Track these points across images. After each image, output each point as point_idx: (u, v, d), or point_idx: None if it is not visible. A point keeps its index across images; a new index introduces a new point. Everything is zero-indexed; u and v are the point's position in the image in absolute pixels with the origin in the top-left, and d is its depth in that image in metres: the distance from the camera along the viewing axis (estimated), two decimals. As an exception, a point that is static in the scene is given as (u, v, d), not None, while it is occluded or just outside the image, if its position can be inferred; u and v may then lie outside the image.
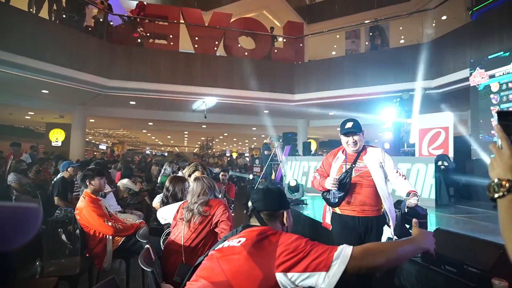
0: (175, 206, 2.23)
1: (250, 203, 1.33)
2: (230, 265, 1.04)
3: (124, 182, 4.74)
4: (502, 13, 6.53)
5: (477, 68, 6.22)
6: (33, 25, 7.01)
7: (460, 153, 6.46)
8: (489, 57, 6.02)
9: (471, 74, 6.39)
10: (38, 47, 7.01)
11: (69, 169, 4.37)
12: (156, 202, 2.48)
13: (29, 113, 11.66)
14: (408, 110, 7.80)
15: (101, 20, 9.09)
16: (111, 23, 10.06)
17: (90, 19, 9.31)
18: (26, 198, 4.84)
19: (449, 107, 8.43)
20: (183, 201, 2.22)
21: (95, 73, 8.29)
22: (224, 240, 1.18)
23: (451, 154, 6.21)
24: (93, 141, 25.43)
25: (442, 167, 5.73)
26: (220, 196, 2.35)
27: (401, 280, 2.32)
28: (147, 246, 1.56)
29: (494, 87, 5.85)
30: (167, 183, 2.67)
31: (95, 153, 21.69)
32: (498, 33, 6.51)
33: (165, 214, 2.27)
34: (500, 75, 5.73)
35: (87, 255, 2.44)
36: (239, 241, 1.10)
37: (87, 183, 2.62)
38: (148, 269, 1.30)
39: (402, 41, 12.60)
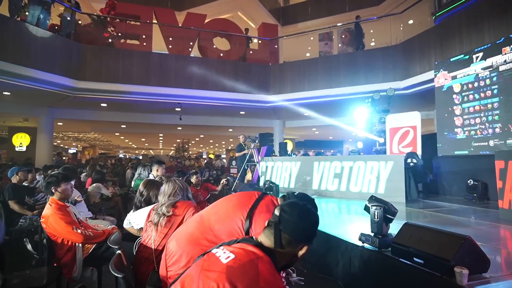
0: (146, 209, 2.18)
1: (277, 212, 1.13)
2: (206, 285, 0.97)
3: (94, 186, 4.57)
4: (461, 19, 6.97)
5: (441, 70, 6.58)
6: (-8, 23, 6.58)
7: (428, 150, 6.81)
8: (451, 59, 6.38)
9: (435, 75, 6.74)
10: (-1, 46, 6.60)
11: (19, 174, 4.15)
12: (126, 226, 2.36)
13: (-11, 116, 10.94)
14: (379, 110, 8.09)
15: (68, 18, 8.70)
16: (80, 22, 9.67)
17: (56, 17, 8.88)
18: (-13, 207, 4.53)
19: (417, 107, 8.86)
20: (154, 204, 2.17)
21: (63, 74, 7.92)
22: (221, 245, 1.11)
23: (419, 151, 6.53)
24: (61, 145, 24.24)
25: (411, 164, 6.00)
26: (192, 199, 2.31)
27: (371, 273, 2.40)
28: (119, 252, 1.51)
29: (456, 88, 6.21)
30: (141, 187, 2.61)
31: (64, 157, 20.67)
32: (459, 37, 6.93)
33: (137, 218, 2.21)
34: (461, 77, 6.09)
35: (55, 264, 2.31)
36: (228, 257, 1.01)
37: (53, 190, 2.48)
38: (119, 275, 1.25)
39: (372, 44, 13.06)
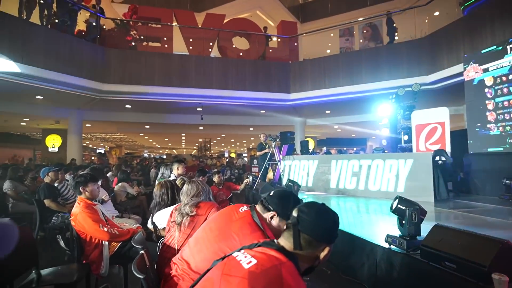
0: (169, 209, 2.21)
1: (295, 213, 1.10)
2: None
3: (120, 185, 4.72)
4: (493, 7, 6.57)
5: (471, 62, 6.24)
6: (25, 31, 6.95)
7: (458, 147, 6.48)
8: (482, 51, 6.04)
9: (465, 69, 6.40)
10: (31, 52, 6.96)
11: (49, 174, 4.35)
12: (150, 226, 2.40)
13: (25, 119, 11.57)
14: (404, 106, 7.80)
15: (94, 24, 9.04)
16: (104, 27, 10.02)
17: (82, 23, 9.26)
18: (23, 205, 4.81)
19: (445, 102, 8.47)
20: (176, 204, 2.19)
21: (89, 77, 8.25)
22: (241, 249, 1.08)
23: (448, 149, 6.23)
24: (90, 145, 25.29)
25: (440, 162, 5.72)
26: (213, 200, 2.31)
27: (399, 277, 2.31)
28: (142, 252, 1.54)
29: (488, 81, 5.86)
30: (162, 190, 2.64)
31: (93, 157, 21.58)
32: (490, 27, 6.54)
33: (159, 218, 2.25)
34: (494, 69, 5.75)
35: (84, 261, 2.41)
36: (249, 262, 0.97)
37: (81, 190, 2.58)
38: (141, 276, 1.27)
39: (396, 38, 12.63)
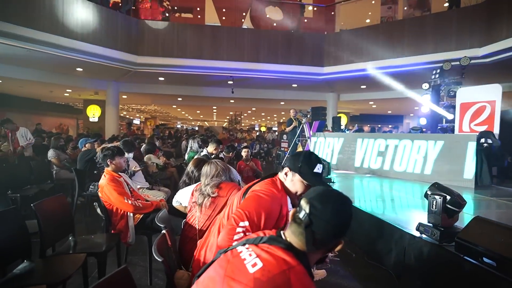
0: (190, 189, 2.22)
1: (305, 207, 0.95)
2: None
3: (146, 157, 4.90)
4: None
5: (535, 33, 5.47)
6: (64, 4, 7.14)
7: (509, 129, 5.88)
8: (551, 19, 5.25)
9: (527, 40, 5.64)
10: (69, 25, 7.19)
11: (86, 145, 4.59)
12: (174, 204, 2.44)
13: (67, 90, 12.25)
14: (449, 82, 7.15)
15: (128, -5, 9.07)
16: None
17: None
18: (65, 172, 5.18)
19: (497, 78, 7.63)
20: (197, 183, 2.20)
21: (124, 49, 8.42)
22: (245, 244, 0.98)
23: (496, 130, 5.67)
24: (127, 116, 26.49)
25: (485, 144, 5.26)
26: (238, 181, 2.28)
27: (429, 268, 2.20)
28: (164, 232, 1.56)
29: (555, 54, 5.14)
30: (191, 166, 2.66)
31: (132, 128, 22.62)
32: None
33: (182, 196, 2.28)
34: None
35: (112, 231, 2.56)
36: (255, 264, 0.89)
37: (108, 163, 2.68)
38: (159, 259, 1.29)
39: (446, 4, 11.38)
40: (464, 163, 4.85)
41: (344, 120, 14.12)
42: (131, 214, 2.58)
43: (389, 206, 3.79)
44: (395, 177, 5.63)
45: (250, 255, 0.92)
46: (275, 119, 27.51)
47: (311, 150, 7.53)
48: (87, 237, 2.53)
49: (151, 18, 9.59)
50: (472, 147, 4.84)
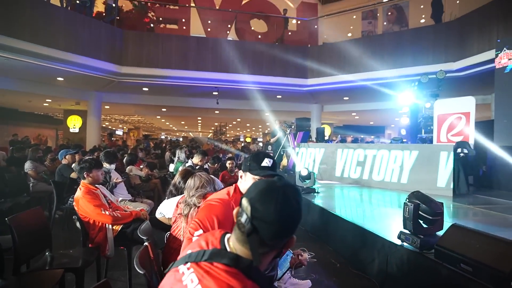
0: (175, 200, 2.19)
1: (247, 209, 0.82)
2: None
3: (128, 169, 4.81)
4: (534, -12, 6.03)
5: (504, 48, 5.80)
6: (45, 13, 7.03)
7: (482, 139, 6.15)
8: (518, 36, 5.60)
9: (497, 55, 5.97)
10: (51, 34, 7.06)
11: (67, 157, 4.47)
12: (158, 216, 2.40)
13: (47, 100, 11.92)
14: (427, 94, 7.44)
15: (113, 5, 9.04)
16: (122, 8, 10.01)
17: (101, 4, 9.27)
18: (42, 185, 4.99)
19: (471, 91, 8.01)
20: (181, 195, 2.18)
21: (107, 60, 8.32)
22: (187, 261, 0.86)
23: (471, 140, 5.93)
24: (109, 127, 25.95)
25: (462, 154, 5.47)
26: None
27: (410, 275, 2.24)
28: (146, 244, 1.53)
29: (522, 69, 5.46)
30: (179, 177, 2.62)
31: (113, 138, 22.14)
32: (529, 10, 6.03)
33: (166, 208, 2.25)
34: (529, 57, 5.34)
35: (90, 245, 2.48)
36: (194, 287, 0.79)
37: (85, 175, 2.63)
38: (141, 271, 1.26)
39: (422, 21, 11.94)
40: (437, 172, 5.06)
41: (328, 131, 14.36)
42: (110, 226, 2.51)
43: (371, 215, 3.85)
44: (376, 187, 5.77)
45: (192, 280, 0.81)
46: (260, 130, 27.64)
47: (295, 161, 7.60)
48: (65, 252, 2.43)
49: (135, 28, 9.56)
50: (444, 156, 5.05)
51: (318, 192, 4.98)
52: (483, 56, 6.93)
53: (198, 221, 1.42)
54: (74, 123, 13.27)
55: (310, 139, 9.09)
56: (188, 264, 0.85)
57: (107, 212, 2.48)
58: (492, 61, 6.26)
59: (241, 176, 1.59)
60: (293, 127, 8.14)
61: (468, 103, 6.17)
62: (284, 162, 8.46)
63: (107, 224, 2.50)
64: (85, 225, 2.52)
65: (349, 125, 19.75)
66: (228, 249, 0.86)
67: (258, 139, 24.41)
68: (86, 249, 2.44)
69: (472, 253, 1.80)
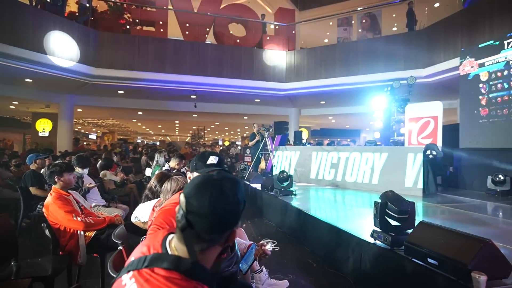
0: (151, 203, 2.16)
1: (182, 203, 0.81)
2: None
3: (102, 173, 4.66)
4: (493, 1, 6.49)
5: (467, 57, 6.19)
6: (12, 10, 6.70)
7: (449, 142, 6.51)
8: (480, 45, 5.99)
9: (461, 63, 6.36)
10: (19, 33, 6.74)
11: (37, 161, 4.28)
12: (133, 220, 2.36)
13: (14, 102, 11.32)
14: (399, 99, 7.78)
15: (87, 5, 8.77)
16: (97, 9, 9.73)
17: (74, 4, 8.97)
18: (8, 192, 4.73)
19: (439, 96, 8.45)
20: (158, 199, 2.15)
21: (80, 61, 8.05)
22: (129, 269, 0.81)
23: (439, 143, 6.25)
24: (82, 130, 25.00)
25: (430, 156, 5.76)
26: None
27: (382, 272, 2.33)
28: (120, 248, 1.50)
29: (484, 76, 5.84)
30: (155, 181, 2.58)
31: (85, 143, 21.33)
32: (489, 21, 6.47)
33: (142, 212, 2.21)
34: (489, 64, 5.72)
35: (60, 253, 2.38)
36: None
37: (56, 180, 2.53)
38: (115, 276, 1.24)
39: (394, 29, 12.49)
40: (405, 173, 5.31)
41: (305, 134, 14.61)
42: (82, 233, 2.42)
43: (345, 216, 3.96)
44: (350, 188, 5.98)
45: (128, 284, 0.77)
46: (239, 133, 27.64)
47: (274, 164, 7.67)
48: (33, 261, 2.31)
49: (111, 30, 9.32)
50: (411, 158, 5.30)
51: (295, 194, 5.05)
52: (449, 63, 7.35)
53: (157, 226, 1.42)
54: (43, 127, 12.67)
55: (288, 143, 9.21)
56: (131, 273, 0.80)
57: (79, 218, 2.39)
58: (457, 68, 6.65)
59: (189, 177, 1.62)
60: (271, 130, 8.22)
61: (436, 107, 6.52)
62: (262, 165, 8.51)
63: (79, 231, 2.41)
64: (55, 232, 2.40)
65: (326, 128, 20.18)
66: (170, 252, 0.83)
67: (237, 143, 24.38)
68: (56, 257, 2.33)
69: (438, 247, 1.90)
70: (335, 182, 6.27)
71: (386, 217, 2.30)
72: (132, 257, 0.87)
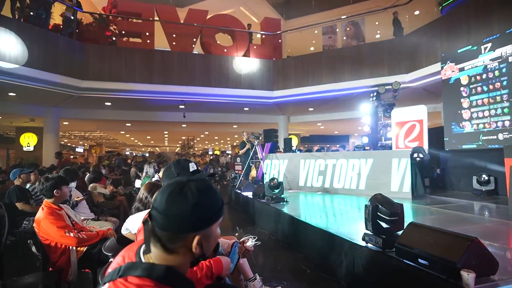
0: (141, 215, 2.13)
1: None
2: None
3: (91, 186, 4.57)
4: (469, 8, 6.76)
5: (448, 62, 6.41)
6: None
7: (435, 144, 6.68)
8: (459, 51, 6.22)
9: (442, 68, 6.58)
10: (1, 47, 6.62)
11: (21, 176, 4.18)
12: (123, 232, 2.32)
13: (-4, 117, 11.06)
14: (385, 104, 7.96)
15: (71, 17, 8.71)
16: (82, 21, 9.68)
17: (58, 17, 8.90)
18: (-8, 208, 4.58)
19: (424, 100, 8.68)
20: (149, 210, 2.11)
21: (66, 74, 7.95)
22: (105, 281, 0.81)
23: (426, 146, 6.40)
24: (68, 144, 24.51)
25: (418, 159, 5.88)
26: None
27: (375, 274, 2.35)
28: (111, 260, 1.47)
29: (464, 80, 6.05)
30: (144, 192, 2.54)
31: (71, 156, 20.90)
32: (466, 27, 6.73)
33: (133, 223, 2.17)
34: (469, 69, 5.93)
35: (50, 269, 2.31)
36: None
37: (55, 193, 2.47)
38: (106, 288, 1.21)
39: (378, 36, 12.83)
40: (390, 176, 5.44)
41: (295, 141, 14.71)
42: (74, 248, 2.36)
43: (337, 221, 3.99)
44: (338, 193, 6.07)
45: None
46: (229, 142, 27.61)
47: (264, 171, 7.68)
48: (19, 279, 2.24)
49: (96, 42, 9.28)
50: (396, 162, 5.43)
51: (287, 201, 5.06)
52: (431, 68, 7.58)
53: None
54: (28, 141, 12.39)
55: (278, 150, 9.25)
56: (106, 285, 0.80)
57: (71, 234, 2.32)
58: (439, 73, 6.87)
59: None
60: (260, 138, 8.25)
61: (421, 111, 6.70)
62: (253, 173, 8.50)
63: (70, 247, 2.35)
64: (46, 248, 2.33)
65: (315, 135, 20.38)
66: (144, 260, 0.83)
67: (227, 152, 24.33)
68: (45, 273, 2.26)
69: (427, 248, 1.94)
70: (323, 189, 6.36)
71: (377, 220, 2.33)
72: (109, 269, 0.87)
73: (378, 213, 2.31)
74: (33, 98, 8.94)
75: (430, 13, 9.53)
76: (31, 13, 7.80)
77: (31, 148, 12.28)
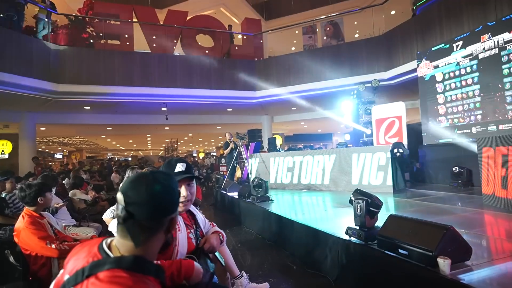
0: None
1: (120, 199, 0.85)
2: None
3: (71, 193, 4.45)
4: (441, 7, 7.03)
5: (423, 59, 6.65)
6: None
7: (414, 139, 6.91)
8: (433, 49, 6.46)
9: (418, 65, 6.81)
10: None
11: None
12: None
13: (-33, 124, 10.54)
14: (365, 101, 8.15)
15: (45, 19, 8.42)
16: (57, 23, 9.38)
17: (31, 18, 8.59)
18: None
19: (402, 97, 8.95)
20: None
21: (41, 77, 7.68)
22: (71, 284, 0.79)
23: (405, 141, 6.61)
24: (46, 150, 23.69)
25: (398, 154, 6.06)
26: None
27: (359, 267, 2.41)
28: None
29: (439, 76, 6.29)
30: None
31: (50, 163, 20.21)
32: (439, 26, 7.00)
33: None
34: (443, 66, 6.17)
35: (30, 278, 2.23)
36: None
37: (39, 201, 2.38)
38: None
39: (356, 35, 13.11)
40: (351, 172, 5.76)
41: (279, 141, 14.80)
42: (56, 260, 2.27)
43: (318, 216, 4.05)
44: (303, 189, 6.34)
45: None
46: (213, 144, 27.46)
47: (249, 171, 7.70)
48: (-2, 289, 2.16)
49: (73, 44, 9.01)
50: (355, 158, 5.78)
51: (272, 200, 5.10)
52: (407, 66, 7.83)
53: None
54: (2, 149, 11.86)
55: (263, 150, 9.29)
56: None
57: (53, 246, 2.22)
58: (415, 70, 7.11)
59: None
60: (244, 138, 8.27)
61: (399, 108, 6.91)
62: (238, 173, 8.51)
63: (52, 258, 2.26)
64: (26, 258, 2.23)
65: (299, 134, 20.58)
66: (111, 254, 0.83)
67: (212, 153, 24.19)
68: (25, 283, 2.18)
69: (406, 238, 2.01)
70: (290, 185, 6.71)
71: (368, 214, 2.39)
72: (65, 276, 0.84)
73: (369, 207, 2.37)
74: (6, 103, 8.58)
75: (406, 13, 9.85)
76: (1, 15, 7.49)
77: (6, 156, 11.76)
